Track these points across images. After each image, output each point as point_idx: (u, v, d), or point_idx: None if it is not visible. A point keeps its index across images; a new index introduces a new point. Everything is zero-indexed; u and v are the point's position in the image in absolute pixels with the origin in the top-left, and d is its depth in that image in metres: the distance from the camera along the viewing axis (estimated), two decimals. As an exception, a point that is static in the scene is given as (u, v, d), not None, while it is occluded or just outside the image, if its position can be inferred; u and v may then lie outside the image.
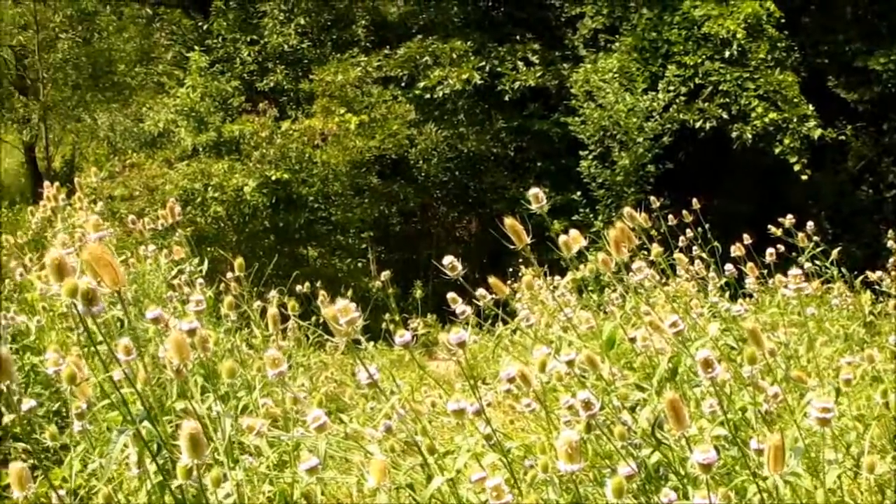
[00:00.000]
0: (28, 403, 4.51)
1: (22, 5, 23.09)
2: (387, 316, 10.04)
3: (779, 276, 7.36)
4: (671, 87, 20.15)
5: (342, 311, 3.32)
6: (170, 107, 20.21)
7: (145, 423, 3.26)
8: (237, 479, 3.70)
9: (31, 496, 3.25)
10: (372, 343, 8.21)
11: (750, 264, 7.17)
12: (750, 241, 7.69)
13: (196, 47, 21.66)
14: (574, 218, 19.68)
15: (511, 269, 12.04)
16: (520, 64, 22.11)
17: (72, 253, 3.08)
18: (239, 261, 6.11)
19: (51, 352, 4.13)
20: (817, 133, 20.05)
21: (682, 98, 20.23)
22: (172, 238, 8.82)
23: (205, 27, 23.74)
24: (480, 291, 5.07)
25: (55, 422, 6.28)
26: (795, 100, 20.13)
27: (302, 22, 22.58)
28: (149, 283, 8.40)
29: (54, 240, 8.48)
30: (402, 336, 3.75)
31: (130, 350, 3.65)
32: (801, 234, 8.03)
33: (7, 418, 6.32)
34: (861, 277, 8.90)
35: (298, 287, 9.19)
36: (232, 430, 4.03)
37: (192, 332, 3.65)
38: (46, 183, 9.31)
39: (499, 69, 22.16)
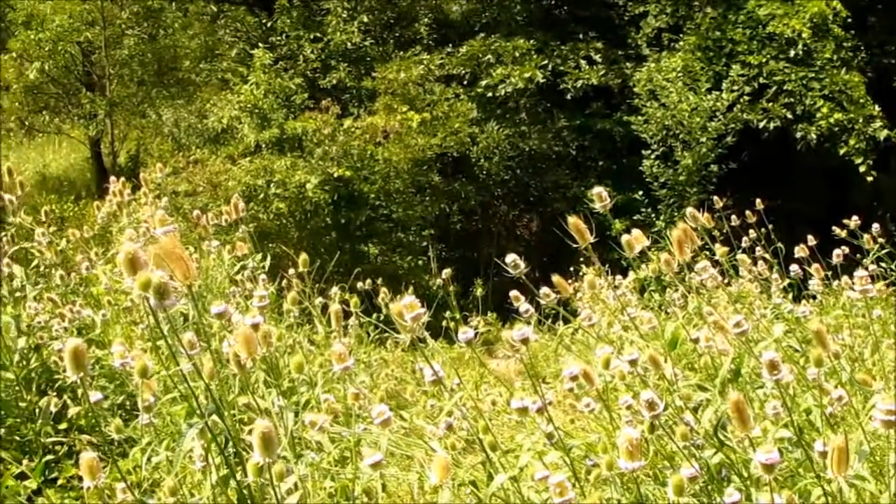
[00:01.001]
0: (95, 396, 4.56)
1: (89, 2, 23.33)
2: (447, 314, 10.04)
3: (844, 278, 7.28)
4: (735, 87, 20.01)
5: (407, 308, 3.33)
6: (233, 103, 20.36)
7: (213, 416, 3.29)
8: (300, 474, 3.73)
9: (101, 486, 3.29)
10: (432, 341, 8.23)
11: (815, 265, 7.10)
12: (814, 243, 7.62)
13: (260, 44, 21.80)
14: (636, 217, 19.61)
15: (572, 269, 12.00)
16: (582, 62, 22.04)
17: (139, 247, 3.10)
18: (303, 257, 6.14)
19: (117, 345, 4.17)
20: (883, 134, 19.82)
21: (746, 98, 20.08)
22: (235, 234, 8.87)
23: (269, 24, 23.86)
24: (544, 290, 5.06)
25: (119, 415, 6.35)
26: (861, 100, 19.90)
27: (365, 20, 22.65)
28: (212, 279, 8.48)
29: (120, 234, 8.58)
30: (464, 333, 3.76)
31: (195, 344, 3.68)
32: (866, 236, 7.94)
33: (73, 410, 6.42)
34: (927, 280, 8.79)
35: (359, 284, 9.21)
36: (294, 425, 4.05)
37: (255, 327, 3.68)
38: (112, 178, 9.40)
39: (561, 68, 22.10)
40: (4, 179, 7.85)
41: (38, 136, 27.75)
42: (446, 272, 10.02)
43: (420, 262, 21.00)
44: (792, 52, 20.22)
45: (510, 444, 4.89)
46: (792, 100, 20.16)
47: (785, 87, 20.20)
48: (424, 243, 21.66)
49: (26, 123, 24.75)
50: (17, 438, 6.71)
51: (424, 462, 4.35)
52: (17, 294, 7.28)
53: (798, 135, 20.19)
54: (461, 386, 4.91)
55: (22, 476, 5.66)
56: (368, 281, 9.39)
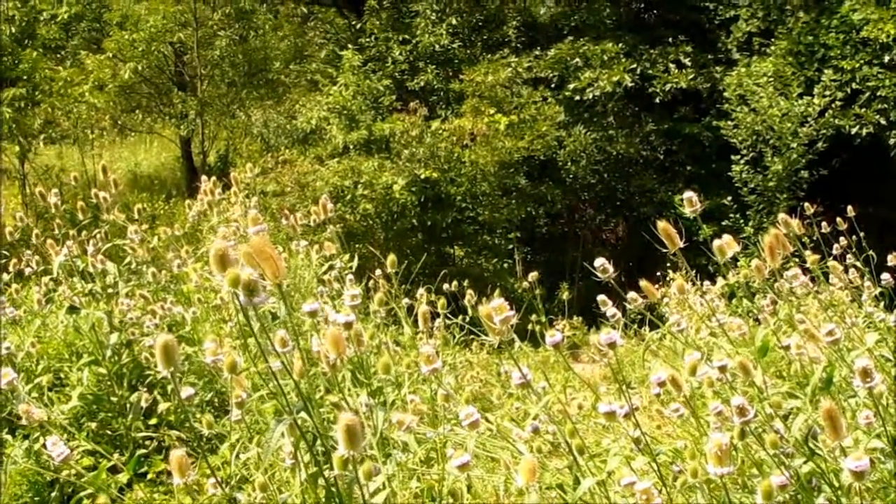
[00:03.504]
0: (186, 391, 4.62)
1: (183, 3, 23.67)
2: (533, 317, 10.02)
3: (937, 287, 7.16)
4: (827, 92, 19.75)
5: (497, 310, 3.34)
6: (322, 104, 20.53)
7: (302, 413, 3.31)
8: (388, 473, 3.75)
9: (190, 482, 3.33)
10: (518, 343, 8.21)
11: (908, 274, 6.97)
12: (908, 250, 7.50)
13: (349, 46, 21.97)
14: (724, 223, 19.44)
15: (658, 274, 11.93)
16: (671, 66, 21.92)
17: (232, 246, 3.13)
18: (391, 258, 6.16)
19: (208, 342, 4.21)
20: (979, 142, 19.52)
21: (839, 103, 19.81)
22: (323, 234, 8.93)
23: (358, 26, 24.03)
24: (631, 295, 5.03)
25: (208, 411, 6.42)
26: (957, 107, 19.60)
27: (454, 22, 22.70)
28: (300, 278, 8.54)
29: (211, 233, 8.68)
30: (552, 336, 3.75)
31: (287, 342, 3.71)
32: (961, 245, 7.80)
33: (162, 406, 6.51)
34: None
35: (445, 286, 9.21)
36: (382, 424, 4.07)
37: (348, 326, 3.70)
38: (203, 177, 9.51)
39: (650, 71, 22.00)
40: (99, 177, 8.00)
41: (131, 135, 28.17)
42: (532, 275, 10.00)
43: (505, 265, 21.02)
44: (886, 58, 19.93)
45: (596, 448, 4.87)
46: (885, 106, 19.86)
47: (878, 93, 19.92)
48: (510, 246, 21.68)
49: (119, 122, 25.13)
50: (109, 432, 6.82)
51: (510, 464, 4.35)
52: (110, 290, 7.39)
53: (891, 141, 19.91)
54: (547, 390, 4.90)
55: (112, 470, 5.75)
56: (454, 283, 9.38)
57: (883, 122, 19.81)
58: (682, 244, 4.01)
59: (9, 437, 6.20)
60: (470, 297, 8.30)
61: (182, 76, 25.67)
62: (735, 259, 4.51)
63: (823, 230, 7.53)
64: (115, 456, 5.59)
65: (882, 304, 7.41)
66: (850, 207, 8.07)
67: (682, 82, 21.62)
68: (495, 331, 3.33)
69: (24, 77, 19.52)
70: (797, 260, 5.25)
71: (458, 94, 21.56)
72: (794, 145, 19.47)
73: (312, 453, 3.56)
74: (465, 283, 9.20)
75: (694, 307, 7.60)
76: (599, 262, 4.22)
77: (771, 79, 20.16)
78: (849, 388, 4.36)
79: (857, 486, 3.02)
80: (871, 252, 7.72)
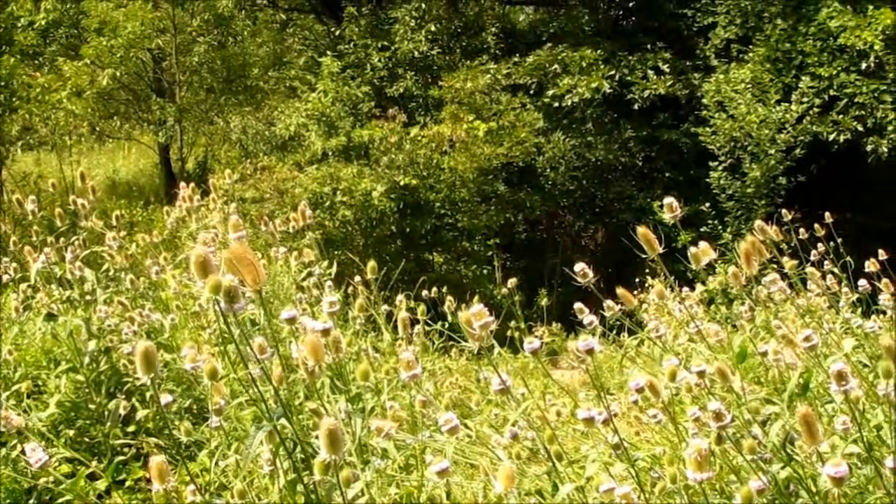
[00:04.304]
0: (165, 398, 4.61)
1: (161, 9, 23.64)
2: (512, 323, 10.02)
3: (914, 293, 7.17)
4: (805, 99, 19.80)
5: (476, 316, 3.34)
6: (301, 111, 20.52)
7: (281, 420, 3.31)
8: (367, 480, 3.75)
9: (170, 489, 3.32)
10: (497, 350, 8.20)
11: (885, 280, 6.99)
12: (884, 257, 7.51)
13: (328, 52, 21.95)
14: (702, 230, 19.48)
15: (637, 280, 11.95)
16: (650, 73, 21.98)
17: (210, 252, 3.13)
18: (371, 264, 6.15)
19: (187, 348, 4.20)
20: (955, 148, 19.58)
21: (816, 110, 19.87)
22: (302, 241, 8.91)
23: (337, 33, 24.00)
24: (608, 302, 5.04)
25: (186, 418, 6.40)
26: (934, 113, 19.68)
27: (433, 29, 22.71)
28: (279, 285, 8.52)
29: (189, 240, 8.66)
30: (530, 343, 3.75)
31: (266, 349, 3.71)
32: (937, 251, 7.82)
33: (141, 413, 6.49)
34: None
35: (424, 292, 9.19)
36: (361, 431, 4.07)
37: (325, 333, 3.70)
38: (182, 184, 9.48)
39: (628, 78, 22.05)
40: (77, 184, 7.98)
41: (109, 142, 28.10)
42: (511, 282, 9.99)
43: (485, 272, 21.02)
44: (863, 65, 20.00)
45: (574, 454, 4.88)
46: (863, 112, 19.94)
47: (856, 100, 19.99)
48: (489, 252, 21.68)
49: (97, 129, 25.06)
50: (87, 440, 6.79)
51: (489, 470, 4.35)
52: (88, 297, 7.36)
53: (868, 148, 19.97)
54: (526, 396, 4.90)
55: (91, 477, 5.73)
56: (433, 289, 9.37)
57: (860, 128, 19.87)
58: (661, 250, 4.01)
59: (-14, 444, 6.17)
60: (449, 303, 8.30)
61: (160, 82, 25.64)
62: (713, 265, 4.53)
63: (801, 236, 7.55)
64: (94, 463, 5.56)
65: (859, 310, 7.43)
66: (827, 214, 8.08)
67: (661, 89, 21.69)
68: (475, 337, 3.34)
69: (2, 83, 19.45)
70: (775, 266, 5.26)
71: (437, 100, 21.56)
72: (772, 152, 19.52)
73: (291, 460, 3.55)
74: (445, 289, 9.20)
75: (673, 313, 7.62)
76: (579, 267, 4.23)
77: (749, 85, 20.22)
78: (826, 393, 4.37)
79: (836, 491, 3.03)
80: (848, 258, 7.74)
